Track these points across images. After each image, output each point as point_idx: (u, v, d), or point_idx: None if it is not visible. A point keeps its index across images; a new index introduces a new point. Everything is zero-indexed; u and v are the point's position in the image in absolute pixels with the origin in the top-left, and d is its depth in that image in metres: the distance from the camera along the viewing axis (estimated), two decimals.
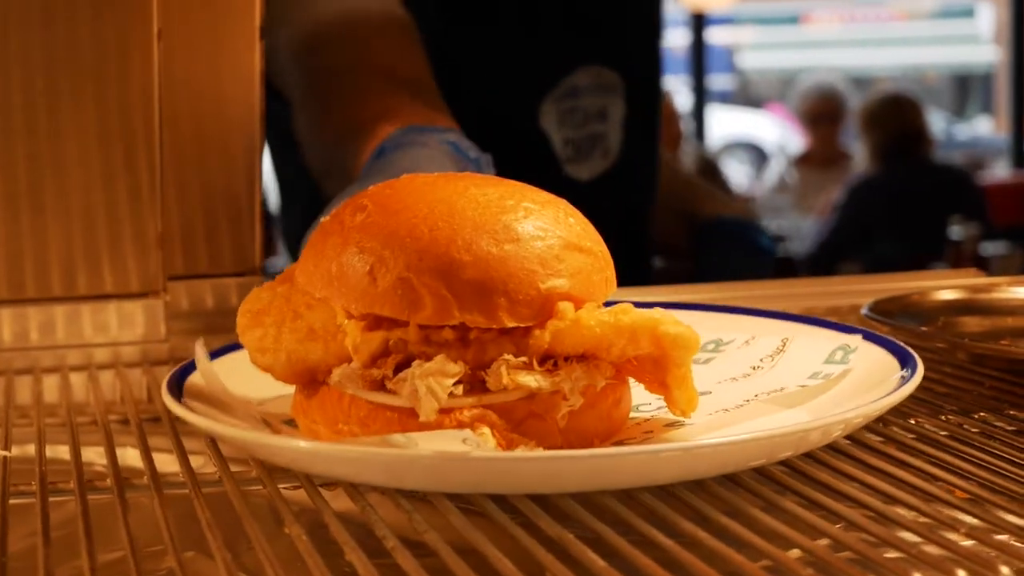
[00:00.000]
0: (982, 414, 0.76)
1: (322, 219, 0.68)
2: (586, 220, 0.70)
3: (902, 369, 0.71)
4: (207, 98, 0.89)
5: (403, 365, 0.64)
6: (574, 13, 1.50)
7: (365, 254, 0.65)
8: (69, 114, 0.87)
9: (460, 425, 0.63)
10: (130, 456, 0.73)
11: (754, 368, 0.78)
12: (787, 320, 0.83)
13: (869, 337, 0.76)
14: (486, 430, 0.63)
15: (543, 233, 0.66)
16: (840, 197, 4.44)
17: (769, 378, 0.75)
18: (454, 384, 0.63)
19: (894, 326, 0.86)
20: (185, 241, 0.90)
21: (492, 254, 0.64)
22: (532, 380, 0.64)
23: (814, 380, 0.73)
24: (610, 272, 0.69)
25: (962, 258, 3.62)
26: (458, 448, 0.60)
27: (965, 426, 0.74)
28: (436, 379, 0.63)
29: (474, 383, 0.64)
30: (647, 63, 1.61)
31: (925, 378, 0.83)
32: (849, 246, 4.29)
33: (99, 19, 0.86)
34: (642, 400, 0.72)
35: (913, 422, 0.74)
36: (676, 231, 1.71)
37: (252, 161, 0.90)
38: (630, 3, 1.58)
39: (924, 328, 0.89)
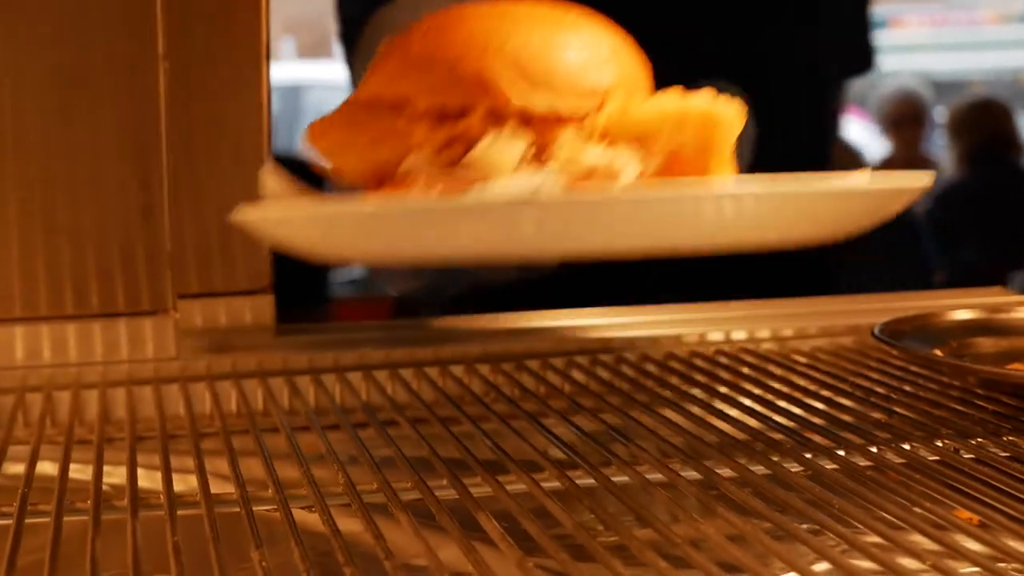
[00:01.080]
0: (979, 439, 0.75)
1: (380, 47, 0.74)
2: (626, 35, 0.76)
3: None
4: (215, 115, 0.90)
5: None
6: (692, 27, 1.46)
7: (426, 58, 0.70)
8: (83, 132, 0.88)
9: None
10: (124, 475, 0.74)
11: None
12: None
13: None
14: (555, 166, 0.68)
15: (594, 37, 0.72)
16: (924, 204, 4.38)
17: None
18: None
19: (901, 348, 0.85)
20: (196, 259, 0.91)
21: (549, 52, 0.70)
22: (592, 156, 0.69)
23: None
24: (649, 80, 0.75)
25: None
26: (529, 188, 0.66)
27: (961, 451, 0.73)
28: (504, 148, 0.68)
29: (538, 165, 0.69)
30: (785, 78, 1.52)
31: (928, 401, 0.82)
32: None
33: (109, 39, 0.87)
34: None
35: (908, 447, 0.73)
36: None
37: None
38: (758, 14, 1.52)
39: (936, 351, 0.88)
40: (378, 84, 0.72)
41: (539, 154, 0.68)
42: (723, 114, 0.70)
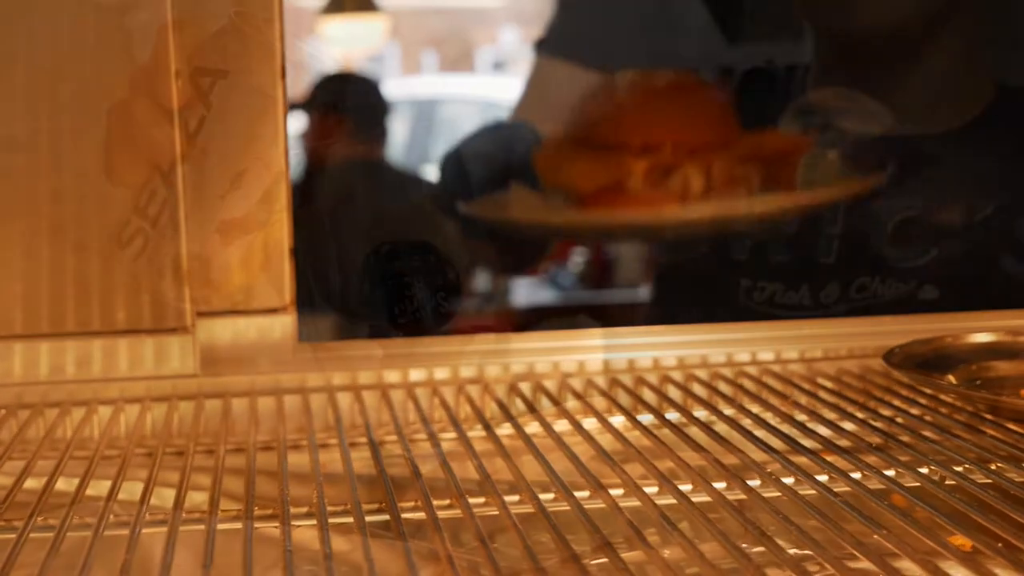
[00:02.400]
0: (966, 466, 0.73)
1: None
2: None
3: None
4: (233, 133, 0.91)
5: None
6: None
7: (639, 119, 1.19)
8: (112, 152, 0.90)
9: None
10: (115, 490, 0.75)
11: None
12: None
13: None
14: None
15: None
16: None
17: None
18: None
19: (906, 373, 0.84)
20: (216, 278, 0.92)
21: None
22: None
23: None
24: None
25: None
26: None
27: (945, 479, 0.71)
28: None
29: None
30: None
31: (933, 426, 0.81)
32: None
33: (130, 60, 0.89)
34: None
35: (892, 473, 0.72)
36: None
37: (281, 196, 0.92)
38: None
39: (950, 376, 0.86)
40: (605, 129, 1.14)
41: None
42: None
